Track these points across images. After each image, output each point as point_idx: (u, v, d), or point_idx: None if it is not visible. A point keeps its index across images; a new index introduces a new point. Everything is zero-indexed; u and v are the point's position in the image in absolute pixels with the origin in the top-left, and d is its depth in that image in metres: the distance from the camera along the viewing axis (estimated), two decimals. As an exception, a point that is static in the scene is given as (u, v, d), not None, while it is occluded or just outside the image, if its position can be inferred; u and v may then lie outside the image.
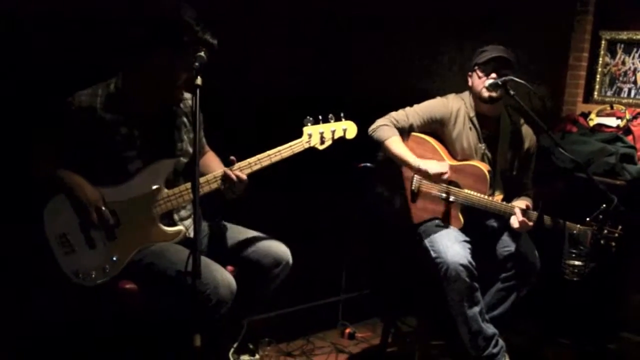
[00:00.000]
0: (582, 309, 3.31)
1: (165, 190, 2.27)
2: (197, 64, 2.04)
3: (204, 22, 2.17)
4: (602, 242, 2.57)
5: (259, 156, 2.32)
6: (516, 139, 2.93)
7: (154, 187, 2.26)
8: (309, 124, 2.38)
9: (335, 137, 2.42)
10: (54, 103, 2.22)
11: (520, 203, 2.81)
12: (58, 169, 2.19)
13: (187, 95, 2.41)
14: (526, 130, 2.97)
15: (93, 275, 2.19)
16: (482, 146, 2.89)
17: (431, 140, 2.90)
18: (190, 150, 2.38)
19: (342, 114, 2.44)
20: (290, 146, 2.35)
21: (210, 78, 2.08)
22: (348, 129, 2.45)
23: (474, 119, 2.89)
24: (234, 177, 2.27)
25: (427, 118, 2.88)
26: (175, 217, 2.38)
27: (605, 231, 2.57)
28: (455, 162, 2.86)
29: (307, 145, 2.37)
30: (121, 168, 2.24)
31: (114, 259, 2.21)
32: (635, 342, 3.29)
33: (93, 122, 2.20)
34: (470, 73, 2.89)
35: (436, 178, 2.70)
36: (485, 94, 2.79)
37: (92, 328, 2.50)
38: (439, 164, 2.72)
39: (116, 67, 2.28)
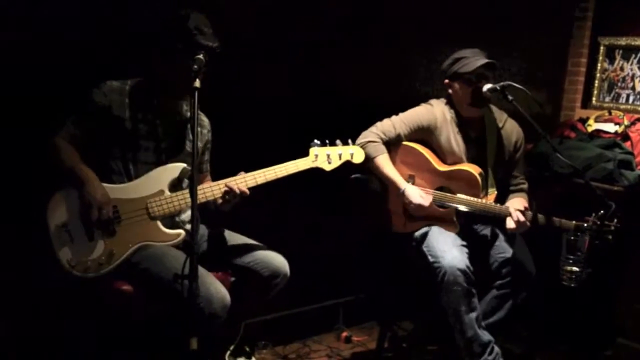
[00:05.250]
0: (579, 315, 3.31)
1: (168, 193, 2.32)
2: (195, 66, 2.06)
3: (206, 26, 2.24)
4: (597, 242, 2.56)
5: (264, 170, 2.39)
6: (503, 136, 2.93)
7: (158, 189, 2.31)
8: (316, 146, 2.46)
9: (342, 159, 2.51)
10: (81, 91, 2.31)
11: (516, 202, 2.81)
12: (79, 161, 2.26)
13: (204, 117, 2.54)
14: (511, 124, 2.97)
15: (88, 266, 2.21)
16: (471, 148, 2.88)
17: (420, 148, 2.89)
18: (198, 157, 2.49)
19: (349, 140, 2.54)
20: (296, 164, 2.42)
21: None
22: (355, 153, 2.54)
23: (460, 123, 2.88)
24: (237, 190, 2.32)
25: (414, 127, 2.88)
26: (177, 219, 2.41)
27: (602, 224, 2.55)
28: (446, 168, 2.86)
29: (312, 165, 2.46)
30: (135, 160, 2.32)
31: (111, 253, 2.23)
32: (631, 348, 3.29)
33: (122, 105, 2.30)
34: (447, 81, 2.86)
35: (414, 210, 2.75)
36: (475, 108, 2.79)
37: (88, 329, 2.50)
38: (421, 198, 2.75)
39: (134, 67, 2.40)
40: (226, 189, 2.33)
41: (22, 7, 2.46)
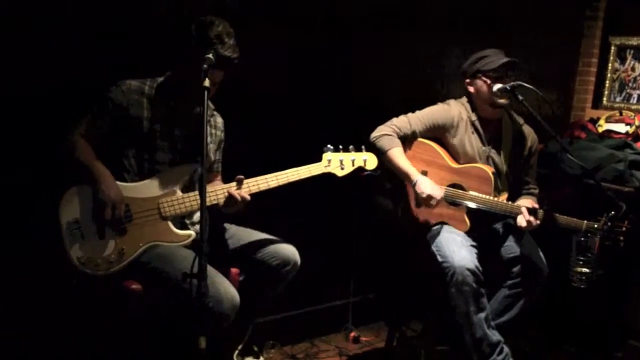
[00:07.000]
0: (589, 316, 3.30)
1: (180, 194, 2.33)
2: (205, 65, 2.06)
3: (228, 36, 2.24)
4: (607, 243, 2.55)
5: (277, 174, 2.38)
6: (518, 139, 2.93)
7: (170, 189, 2.32)
8: (329, 152, 2.45)
9: (355, 165, 2.49)
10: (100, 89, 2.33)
11: (525, 202, 2.80)
12: (94, 157, 2.28)
13: (219, 119, 2.54)
14: (527, 129, 2.97)
15: (98, 264, 2.22)
16: (486, 149, 2.88)
17: (434, 145, 2.89)
18: (212, 159, 2.52)
19: (362, 146, 2.53)
20: (309, 169, 2.42)
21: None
22: (368, 159, 2.52)
23: (476, 123, 2.88)
24: (237, 196, 2.32)
25: (429, 124, 2.87)
26: (187, 221, 2.43)
27: (613, 225, 2.54)
28: (458, 165, 2.86)
29: (325, 170, 2.45)
30: (150, 160, 2.33)
31: (121, 252, 2.24)
32: (642, 350, 3.27)
33: (140, 105, 2.31)
34: (469, 80, 2.87)
35: (425, 200, 2.72)
36: (500, 100, 2.78)
37: (96, 327, 2.51)
38: (433, 189, 2.71)
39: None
40: (229, 193, 2.33)
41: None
